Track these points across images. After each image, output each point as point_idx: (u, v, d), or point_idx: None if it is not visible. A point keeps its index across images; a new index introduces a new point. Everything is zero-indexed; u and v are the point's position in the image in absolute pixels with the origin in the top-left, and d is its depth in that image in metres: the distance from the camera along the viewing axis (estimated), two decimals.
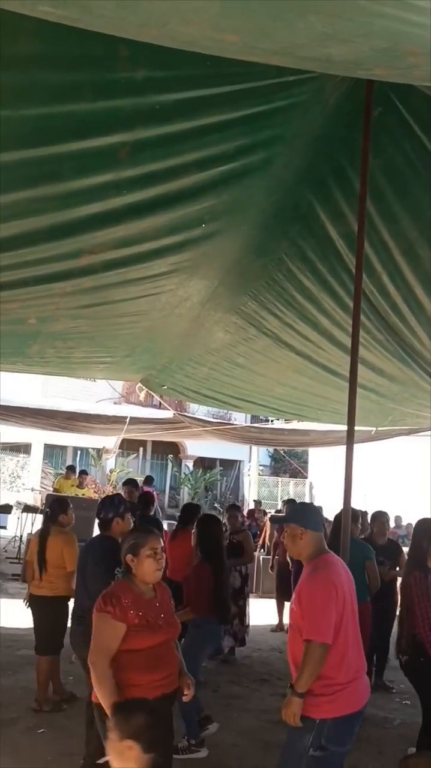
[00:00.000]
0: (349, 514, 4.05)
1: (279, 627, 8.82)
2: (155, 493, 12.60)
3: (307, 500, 24.38)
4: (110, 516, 4.38)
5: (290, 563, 7.90)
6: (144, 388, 9.19)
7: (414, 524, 5.69)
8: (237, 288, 5.68)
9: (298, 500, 24.91)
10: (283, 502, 12.38)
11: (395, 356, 6.17)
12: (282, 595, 8.88)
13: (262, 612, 8.99)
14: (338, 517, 6.08)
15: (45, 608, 5.49)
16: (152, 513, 7.96)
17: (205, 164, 3.50)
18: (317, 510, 3.59)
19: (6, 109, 2.67)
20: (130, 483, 9.47)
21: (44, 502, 12.05)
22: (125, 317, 5.65)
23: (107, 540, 4.38)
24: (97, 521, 4.48)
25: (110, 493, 15.62)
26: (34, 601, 5.58)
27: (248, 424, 16.02)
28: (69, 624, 4.86)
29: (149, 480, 15.59)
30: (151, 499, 8.15)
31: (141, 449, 24.43)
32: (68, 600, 5.38)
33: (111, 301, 5.11)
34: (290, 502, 10.62)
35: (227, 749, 4.80)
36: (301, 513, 3.38)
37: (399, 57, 1.64)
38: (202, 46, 2.09)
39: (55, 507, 5.81)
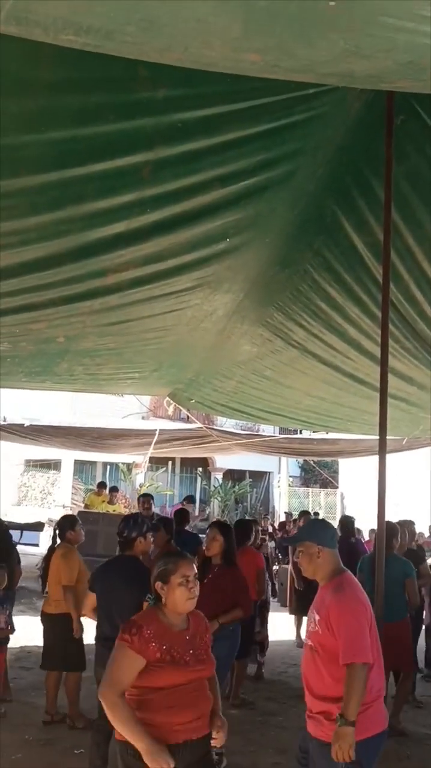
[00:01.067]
0: (383, 530, 3.99)
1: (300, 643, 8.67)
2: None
3: (339, 510, 24.16)
4: (134, 535, 4.30)
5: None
6: (172, 402, 9.21)
7: None
8: (263, 300, 5.67)
9: (324, 512, 24.72)
10: (300, 513, 12.09)
11: (424, 364, 6.10)
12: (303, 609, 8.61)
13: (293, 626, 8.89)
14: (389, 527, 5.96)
15: (49, 625, 5.52)
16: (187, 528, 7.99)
17: (228, 179, 3.51)
18: (332, 526, 3.46)
19: (31, 133, 2.71)
20: (147, 496, 9.42)
21: None
22: (152, 332, 5.67)
23: (135, 561, 4.33)
24: (118, 540, 4.38)
25: (131, 512, 15.64)
26: (42, 618, 5.63)
27: (277, 435, 15.95)
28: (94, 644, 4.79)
29: (190, 499, 15.60)
30: (186, 516, 8.16)
31: (170, 463, 24.45)
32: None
33: (138, 317, 5.15)
34: (305, 514, 10.47)
35: None
36: (316, 529, 3.22)
37: (422, 69, 1.63)
38: (224, 67, 2.09)
39: (63, 524, 5.83)
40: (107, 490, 14.14)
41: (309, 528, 3.39)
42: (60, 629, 5.37)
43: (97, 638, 4.33)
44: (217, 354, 6.99)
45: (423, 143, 3.64)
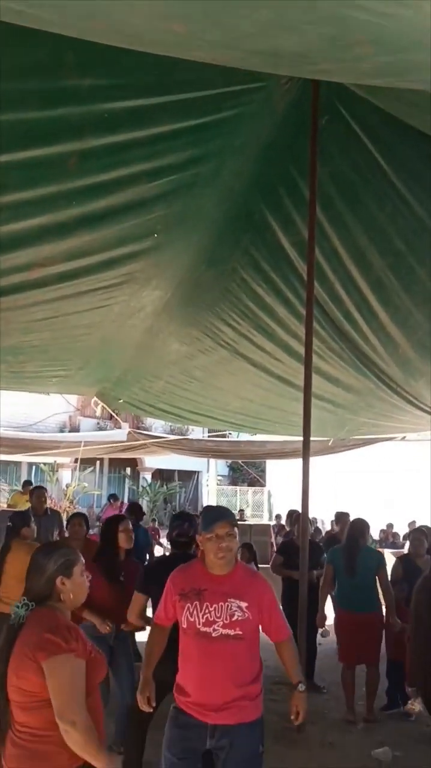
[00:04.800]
0: (307, 524, 4.05)
1: None
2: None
3: (266, 508, 24.48)
4: (194, 534, 3.86)
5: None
6: (99, 402, 9.07)
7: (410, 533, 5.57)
8: (191, 298, 5.67)
9: (252, 510, 24.97)
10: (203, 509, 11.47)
11: (350, 365, 6.22)
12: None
13: None
14: (353, 524, 5.93)
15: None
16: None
17: (155, 174, 3.49)
18: None
19: None
20: (41, 488, 8.95)
21: None
22: (78, 329, 5.57)
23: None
24: (182, 540, 3.97)
25: (71, 509, 15.32)
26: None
27: (205, 438, 15.98)
28: None
29: (114, 497, 15.42)
30: (140, 509, 8.20)
31: (98, 463, 24.15)
32: None
33: (63, 313, 5.04)
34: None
35: None
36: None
37: (345, 48, 1.65)
38: (148, 41, 2.06)
39: (17, 520, 5.59)
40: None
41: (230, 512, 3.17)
42: None
43: None
44: (145, 352, 6.93)
45: (347, 145, 3.71)
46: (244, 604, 2.85)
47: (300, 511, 5.19)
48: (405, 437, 12.49)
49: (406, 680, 4.67)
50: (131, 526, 4.31)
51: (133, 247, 4.18)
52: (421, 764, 4.54)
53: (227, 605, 2.85)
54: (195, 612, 2.87)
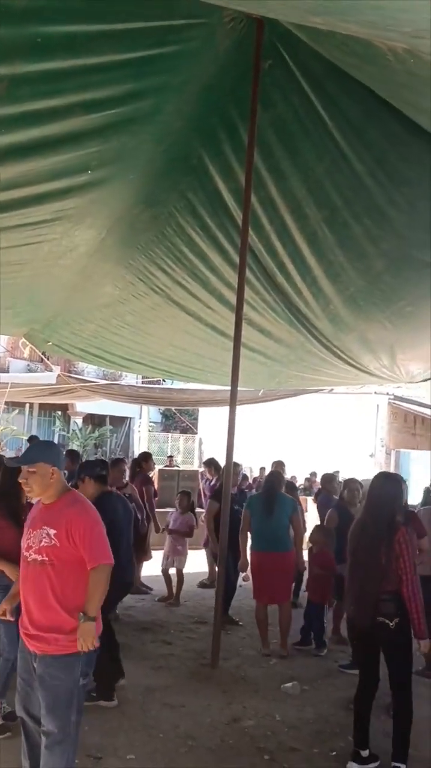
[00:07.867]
0: (230, 470, 4.12)
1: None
2: None
3: (196, 455, 24.77)
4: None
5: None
6: (28, 343, 8.85)
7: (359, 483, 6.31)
8: (126, 240, 5.54)
9: (183, 456, 25.24)
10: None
11: (282, 318, 6.27)
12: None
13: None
14: (272, 474, 6.53)
15: None
16: None
17: (91, 106, 3.35)
18: (59, 447, 3.43)
19: None
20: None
21: None
22: (5, 266, 5.37)
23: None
24: (102, 474, 4.71)
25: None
26: None
27: (138, 385, 15.91)
28: None
29: (32, 439, 15.25)
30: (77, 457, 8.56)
31: (27, 405, 23.76)
32: None
33: None
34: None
35: None
36: (50, 451, 3.15)
37: None
38: None
39: None
40: None
41: (42, 449, 3.19)
42: None
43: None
44: (77, 294, 6.78)
45: (289, 93, 3.65)
46: (53, 531, 2.98)
47: (225, 458, 5.29)
48: (332, 390, 12.79)
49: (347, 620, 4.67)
50: None
51: (66, 182, 4.02)
52: (327, 697, 4.80)
53: (40, 532, 2.99)
54: (24, 537, 3.08)
